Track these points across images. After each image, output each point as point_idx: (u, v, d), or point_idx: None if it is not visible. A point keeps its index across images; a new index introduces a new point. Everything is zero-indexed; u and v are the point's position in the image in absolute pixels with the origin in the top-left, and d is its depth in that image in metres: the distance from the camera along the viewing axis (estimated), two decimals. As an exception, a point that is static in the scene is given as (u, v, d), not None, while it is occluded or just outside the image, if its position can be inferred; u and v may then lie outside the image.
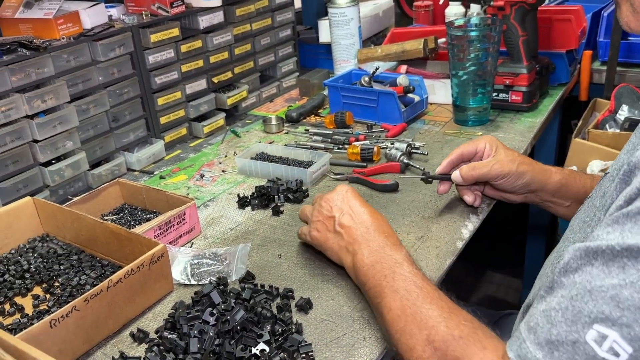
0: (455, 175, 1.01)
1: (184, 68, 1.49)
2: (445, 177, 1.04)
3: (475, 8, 1.86)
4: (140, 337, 0.82)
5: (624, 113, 1.56)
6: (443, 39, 1.62)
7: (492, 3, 1.41)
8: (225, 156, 1.44)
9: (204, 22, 1.52)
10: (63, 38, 1.23)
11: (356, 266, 0.83)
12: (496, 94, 1.49)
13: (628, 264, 0.49)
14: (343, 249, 0.88)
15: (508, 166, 0.97)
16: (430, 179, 1.03)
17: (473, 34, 1.32)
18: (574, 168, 1.06)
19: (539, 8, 1.45)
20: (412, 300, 0.70)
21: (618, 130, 1.54)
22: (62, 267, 0.97)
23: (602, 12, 1.84)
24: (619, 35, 1.69)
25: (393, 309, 0.72)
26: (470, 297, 2.47)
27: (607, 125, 1.57)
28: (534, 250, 2.12)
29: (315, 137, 1.46)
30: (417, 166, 1.24)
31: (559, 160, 1.88)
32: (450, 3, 1.92)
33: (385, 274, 0.76)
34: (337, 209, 0.90)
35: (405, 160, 1.26)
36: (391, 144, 1.33)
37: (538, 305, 0.57)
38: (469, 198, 1.06)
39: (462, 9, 1.92)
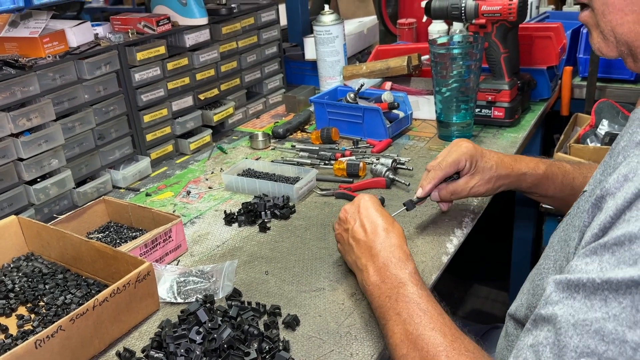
0: (434, 196, 1.06)
1: (170, 85, 1.49)
2: (423, 198, 1.07)
3: (457, 26, 1.89)
4: (126, 356, 0.81)
5: (604, 128, 1.59)
6: (426, 56, 1.65)
7: (474, 21, 1.44)
8: (212, 173, 1.44)
9: (190, 40, 1.53)
10: (49, 56, 1.23)
11: (363, 284, 0.85)
12: (479, 109, 1.51)
13: (609, 297, 0.50)
14: (354, 264, 0.89)
15: (485, 187, 1.02)
16: (413, 206, 1.05)
17: (455, 51, 1.35)
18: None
19: (520, 25, 1.48)
20: (415, 326, 0.71)
21: (599, 145, 1.57)
22: (47, 287, 0.97)
23: (582, 29, 1.88)
24: (598, 52, 1.72)
25: (396, 334, 0.72)
26: (457, 311, 2.48)
27: (588, 140, 1.60)
28: (520, 263, 2.14)
29: (301, 153, 1.47)
30: (403, 181, 1.26)
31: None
32: (433, 21, 1.95)
33: (389, 295, 0.77)
34: (352, 219, 0.91)
35: (391, 176, 1.27)
36: (377, 159, 1.34)
37: (525, 338, 0.57)
38: (444, 207, 1.10)
39: (445, 27, 1.95)
